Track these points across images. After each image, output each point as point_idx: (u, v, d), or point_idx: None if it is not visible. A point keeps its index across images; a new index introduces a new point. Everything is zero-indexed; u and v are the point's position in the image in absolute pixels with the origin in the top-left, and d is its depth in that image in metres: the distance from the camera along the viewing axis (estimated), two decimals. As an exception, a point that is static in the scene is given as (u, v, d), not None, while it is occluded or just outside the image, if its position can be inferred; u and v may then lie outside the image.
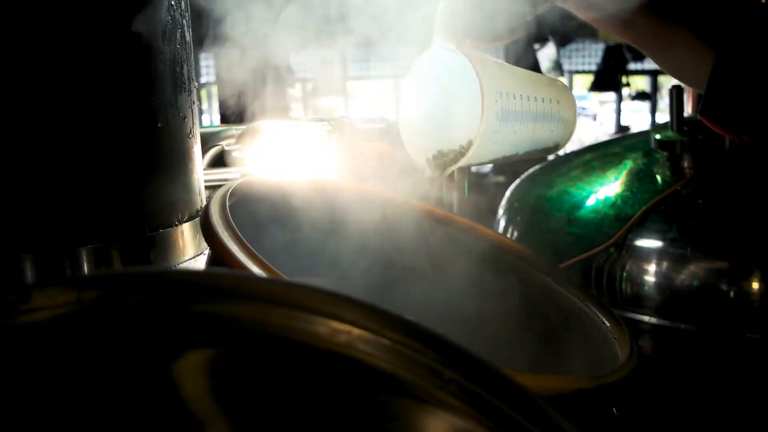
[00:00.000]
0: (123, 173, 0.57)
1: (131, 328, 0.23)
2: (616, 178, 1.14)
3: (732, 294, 0.91)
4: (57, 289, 0.24)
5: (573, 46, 8.22)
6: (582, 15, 0.61)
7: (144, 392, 0.23)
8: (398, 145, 0.69)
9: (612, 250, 1.02)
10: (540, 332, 0.66)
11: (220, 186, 0.58)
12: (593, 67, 8.37)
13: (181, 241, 0.63)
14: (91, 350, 0.23)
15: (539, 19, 0.64)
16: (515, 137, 0.63)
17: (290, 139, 1.02)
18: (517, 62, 0.73)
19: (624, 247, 1.01)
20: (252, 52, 0.72)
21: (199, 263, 0.65)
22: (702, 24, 0.57)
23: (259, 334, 0.24)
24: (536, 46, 6.68)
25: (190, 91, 0.64)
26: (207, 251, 0.63)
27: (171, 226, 0.61)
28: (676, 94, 1.10)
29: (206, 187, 0.71)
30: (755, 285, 0.90)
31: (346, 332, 0.24)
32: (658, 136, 1.13)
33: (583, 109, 10.31)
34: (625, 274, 1.00)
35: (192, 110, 0.65)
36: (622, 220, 1.03)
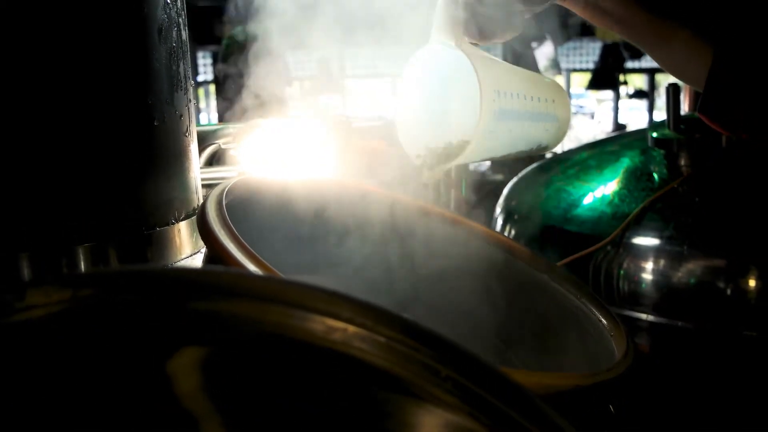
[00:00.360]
0: (120, 172, 0.57)
1: (126, 326, 0.23)
2: (614, 176, 1.14)
3: (729, 292, 0.91)
4: (52, 286, 0.24)
5: (571, 44, 8.23)
6: (581, 12, 0.61)
7: (139, 389, 0.23)
8: (396, 144, 0.69)
9: (609, 248, 1.02)
10: (537, 330, 0.67)
11: (217, 184, 0.58)
12: (591, 66, 8.38)
13: (177, 239, 0.63)
14: (87, 348, 0.23)
15: (537, 17, 0.64)
16: (511, 135, 0.63)
17: (288, 137, 1.02)
18: (515, 61, 0.73)
19: (621, 245, 1.01)
20: (250, 50, 0.72)
21: (196, 261, 0.65)
22: (701, 21, 0.57)
23: (254, 332, 0.24)
24: (534, 44, 6.68)
25: (186, 90, 0.64)
26: (204, 250, 0.63)
27: (168, 225, 0.61)
28: (673, 92, 1.10)
29: (203, 186, 0.71)
30: (752, 283, 0.91)
31: (342, 329, 0.24)
32: (655, 135, 1.13)
33: (581, 107, 10.31)
34: (622, 271, 1.00)
35: (188, 108, 0.65)
36: (620, 218, 1.03)
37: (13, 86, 0.51)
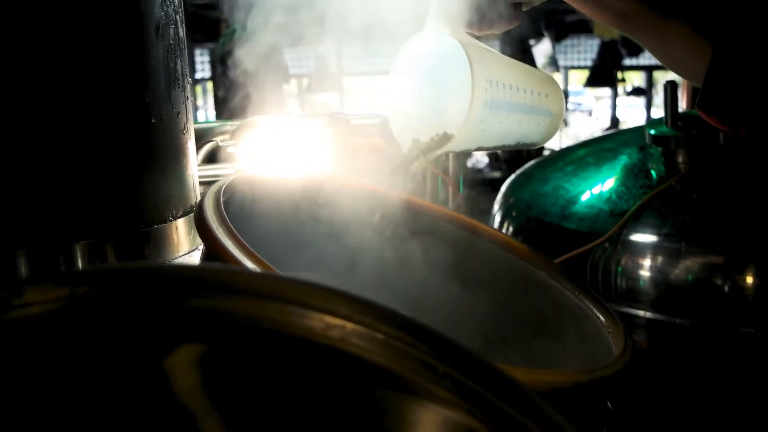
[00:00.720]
0: (117, 169, 0.57)
1: (124, 323, 0.23)
2: (611, 174, 1.14)
3: (726, 288, 0.92)
4: (50, 284, 0.24)
5: (568, 41, 8.23)
6: (580, 6, 0.60)
7: (136, 386, 0.23)
8: (393, 141, 0.69)
9: (607, 245, 1.02)
10: (534, 326, 0.67)
11: (214, 182, 0.58)
12: (589, 63, 8.38)
13: (175, 236, 0.63)
14: (84, 345, 0.23)
15: (535, 14, 0.64)
16: (502, 127, 0.63)
17: (285, 134, 1.02)
18: (513, 58, 0.73)
19: (619, 242, 1.01)
20: (248, 48, 0.71)
21: (194, 259, 0.65)
22: (700, 17, 0.57)
23: (252, 329, 0.24)
24: (532, 41, 6.69)
25: (184, 87, 0.64)
26: (201, 247, 0.63)
27: (165, 222, 0.61)
28: (671, 89, 1.10)
29: (201, 183, 0.71)
30: (749, 279, 0.91)
31: (340, 327, 0.24)
32: (652, 132, 1.13)
33: (579, 104, 10.33)
34: (620, 269, 1.00)
35: (186, 106, 0.65)
36: (617, 215, 1.03)
37: (10, 83, 0.51)
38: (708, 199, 1.01)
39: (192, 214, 0.63)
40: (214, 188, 0.55)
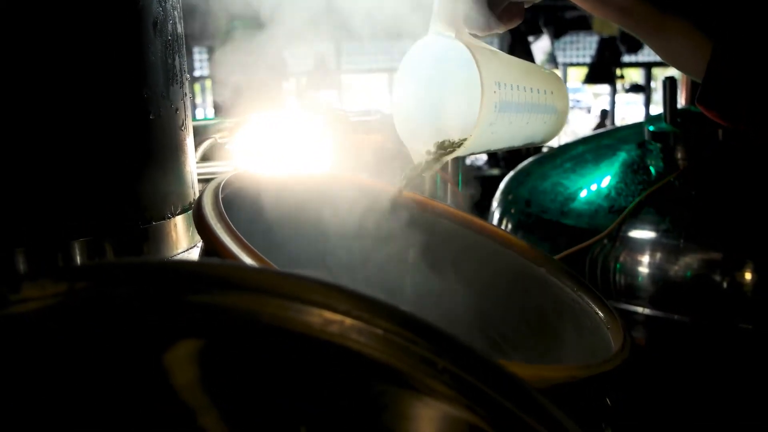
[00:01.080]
0: (115, 166, 0.57)
1: (123, 319, 0.23)
2: (610, 170, 1.14)
3: (725, 285, 0.92)
4: (48, 279, 0.24)
5: (567, 38, 8.21)
6: (581, 2, 0.60)
7: (135, 382, 0.23)
8: (392, 138, 0.69)
9: (606, 241, 1.02)
10: (533, 322, 0.67)
11: (213, 179, 0.58)
12: (587, 60, 8.36)
13: (174, 233, 0.63)
14: (83, 341, 0.23)
15: (534, 11, 0.64)
16: (511, 128, 0.63)
17: (284, 132, 1.02)
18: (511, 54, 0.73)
19: (618, 239, 1.01)
20: (246, 46, 0.71)
21: (193, 255, 0.65)
22: (701, 12, 0.57)
23: (251, 324, 0.24)
24: (531, 38, 6.68)
25: (182, 83, 0.64)
26: (200, 243, 0.63)
27: (164, 219, 0.61)
28: (670, 85, 1.10)
29: (199, 180, 0.71)
30: (748, 276, 0.91)
31: (339, 322, 0.24)
32: (651, 128, 1.13)
33: (578, 101, 10.31)
34: (619, 265, 1.00)
35: (184, 102, 0.64)
36: (616, 212, 1.03)
37: (8, 80, 0.51)
38: (707, 195, 1.01)
39: (190, 211, 0.63)
40: (212, 185, 0.55)
